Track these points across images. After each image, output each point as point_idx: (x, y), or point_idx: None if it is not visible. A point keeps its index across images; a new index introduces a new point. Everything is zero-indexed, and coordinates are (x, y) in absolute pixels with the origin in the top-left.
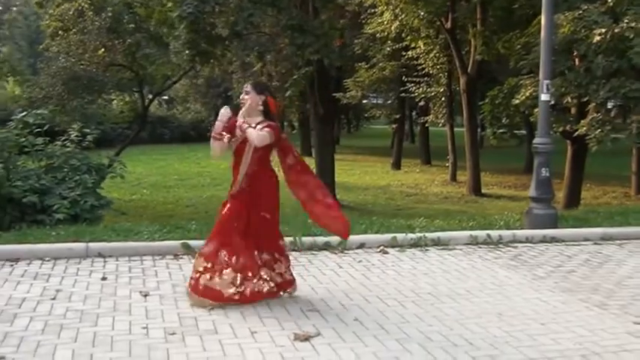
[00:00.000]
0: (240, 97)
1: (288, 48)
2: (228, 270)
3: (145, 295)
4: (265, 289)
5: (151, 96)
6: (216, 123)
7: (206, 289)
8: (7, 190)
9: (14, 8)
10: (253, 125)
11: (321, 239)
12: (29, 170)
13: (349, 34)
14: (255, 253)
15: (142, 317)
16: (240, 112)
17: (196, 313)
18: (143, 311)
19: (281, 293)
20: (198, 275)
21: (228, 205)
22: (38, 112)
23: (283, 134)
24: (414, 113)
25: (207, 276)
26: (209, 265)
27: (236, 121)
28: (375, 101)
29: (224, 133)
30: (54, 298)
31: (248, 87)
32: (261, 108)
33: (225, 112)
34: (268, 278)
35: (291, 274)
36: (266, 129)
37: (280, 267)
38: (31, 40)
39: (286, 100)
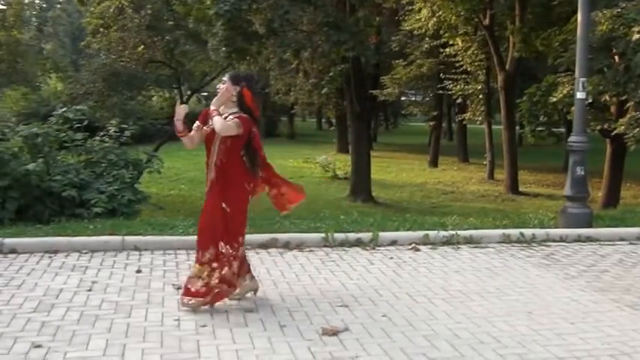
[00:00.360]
0: (217, 85)
1: (323, 45)
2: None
3: (178, 289)
4: (193, 288)
5: (189, 92)
6: (175, 122)
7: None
8: (47, 184)
9: (58, 6)
10: (225, 116)
11: (352, 235)
12: (69, 165)
13: (386, 31)
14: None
15: (174, 310)
16: (213, 100)
17: (227, 307)
18: (175, 304)
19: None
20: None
21: (204, 206)
22: (78, 107)
23: (255, 129)
24: (452, 110)
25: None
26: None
27: (208, 112)
28: (412, 98)
29: (197, 125)
30: (90, 290)
31: (225, 76)
32: (234, 99)
33: (180, 110)
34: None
35: (219, 285)
36: (234, 120)
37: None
38: (74, 37)
39: (323, 97)
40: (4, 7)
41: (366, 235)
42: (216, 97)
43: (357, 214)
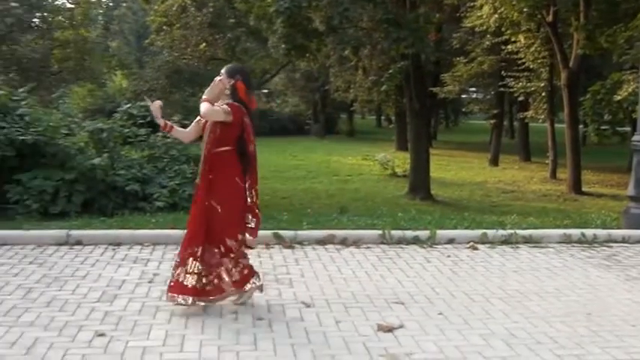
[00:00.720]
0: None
1: (383, 42)
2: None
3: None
4: (189, 284)
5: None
6: (156, 121)
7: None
8: (111, 179)
9: (124, 4)
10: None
11: (410, 233)
12: (132, 160)
13: (447, 28)
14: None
15: (231, 303)
16: (205, 90)
17: (284, 301)
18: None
19: (224, 294)
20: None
21: (194, 200)
22: (142, 104)
23: (247, 119)
24: (513, 108)
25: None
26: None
27: None
28: (473, 96)
29: (168, 123)
30: (151, 282)
31: (223, 69)
32: (228, 92)
33: (154, 108)
34: (196, 271)
35: (241, 279)
36: (223, 106)
37: (226, 265)
38: (138, 34)
39: (382, 95)
40: (73, 6)
41: (423, 233)
42: (208, 88)
43: (415, 211)
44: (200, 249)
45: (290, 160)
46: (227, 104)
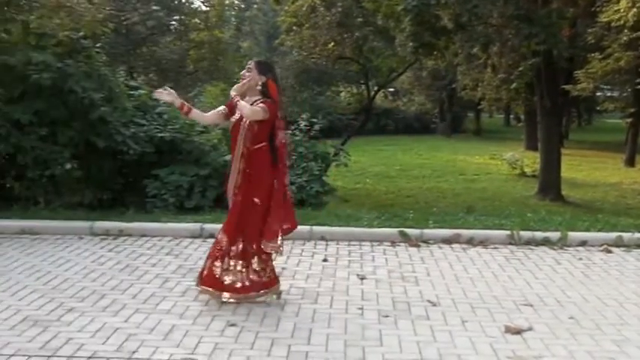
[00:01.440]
0: (241, 72)
1: (513, 39)
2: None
3: (362, 279)
4: (227, 282)
5: (376, 88)
6: (175, 104)
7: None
8: None
9: (255, 5)
10: (251, 102)
11: (539, 234)
12: None
13: (582, 24)
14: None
15: (358, 299)
16: (235, 86)
17: (409, 299)
18: (359, 293)
19: (253, 294)
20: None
21: (234, 199)
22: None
23: (280, 113)
24: None
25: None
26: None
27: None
28: (608, 94)
29: (223, 109)
30: (279, 276)
31: (251, 64)
32: (259, 88)
33: (161, 94)
34: (240, 269)
35: (274, 276)
36: (261, 104)
37: (259, 264)
38: (268, 35)
39: (511, 93)
40: (208, 9)
41: (554, 235)
42: (239, 84)
43: (544, 212)
44: (241, 245)
45: (415, 159)
46: (263, 102)
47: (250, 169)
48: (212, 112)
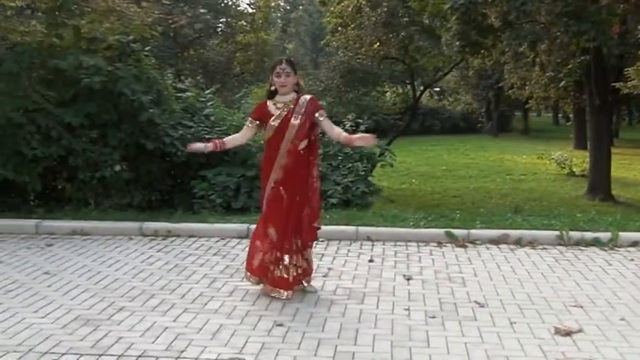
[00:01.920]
0: (277, 78)
1: (562, 36)
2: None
3: (409, 279)
4: (279, 275)
5: (422, 87)
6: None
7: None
8: None
9: (300, 7)
10: (290, 104)
11: (589, 235)
12: None
13: (633, 20)
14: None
15: (404, 299)
16: (282, 90)
17: (456, 300)
18: (406, 294)
19: (299, 285)
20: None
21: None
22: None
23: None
24: None
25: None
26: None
27: (266, 106)
28: None
29: (250, 121)
30: (325, 276)
31: (288, 67)
32: (296, 88)
33: (196, 147)
34: (289, 262)
35: (307, 265)
36: (321, 111)
37: (301, 256)
38: (314, 36)
39: (560, 91)
40: (254, 11)
41: (604, 235)
42: (282, 92)
43: (594, 212)
44: (289, 239)
45: (461, 159)
46: (316, 105)
47: (294, 165)
48: (242, 131)
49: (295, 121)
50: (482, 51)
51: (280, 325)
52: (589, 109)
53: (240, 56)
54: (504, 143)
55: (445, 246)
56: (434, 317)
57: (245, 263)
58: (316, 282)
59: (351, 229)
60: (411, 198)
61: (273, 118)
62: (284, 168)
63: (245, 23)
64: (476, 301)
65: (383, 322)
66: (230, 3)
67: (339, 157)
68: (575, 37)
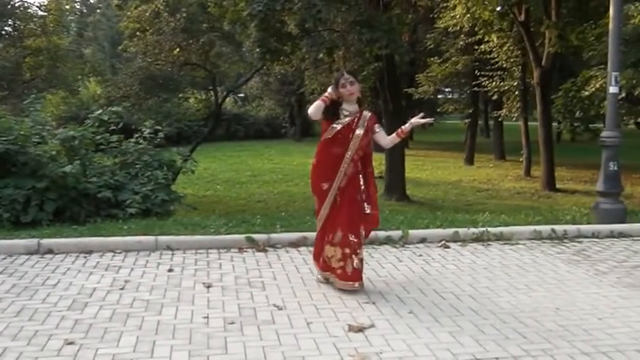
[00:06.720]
0: (344, 89)
1: (356, 44)
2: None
3: (208, 287)
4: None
5: (225, 93)
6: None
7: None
8: (83, 186)
9: (98, 11)
10: (356, 114)
11: (382, 233)
12: (104, 166)
13: (421, 29)
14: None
15: (203, 307)
16: (344, 106)
17: (255, 304)
18: (205, 301)
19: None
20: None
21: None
22: (113, 109)
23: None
24: (488, 107)
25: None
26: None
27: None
28: (448, 96)
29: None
30: (122, 289)
31: (351, 77)
32: (359, 95)
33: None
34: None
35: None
36: (378, 124)
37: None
38: (112, 41)
39: None
40: (45, 14)
41: (395, 233)
42: (348, 101)
43: (388, 212)
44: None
45: (266, 164)
46: (375, 119)
47: (356, 173)
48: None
49: (359, 132)
50: (282, 57)
51: (71, 343)
52: (384, 113)
53: (30, 61)
54: (308, 147)
55: (246, 251)
56: (232, 323)
57: (335, 278)
58: (113, 295)
59: (150, 239)
60: (215, 204)
61: (339, 122)
62: (346, 173)
63: (35, 27)
64: (274, 305)
65: (181, 331)
66: (18, 4)
67: (138, 166)
68: (369, 45)
